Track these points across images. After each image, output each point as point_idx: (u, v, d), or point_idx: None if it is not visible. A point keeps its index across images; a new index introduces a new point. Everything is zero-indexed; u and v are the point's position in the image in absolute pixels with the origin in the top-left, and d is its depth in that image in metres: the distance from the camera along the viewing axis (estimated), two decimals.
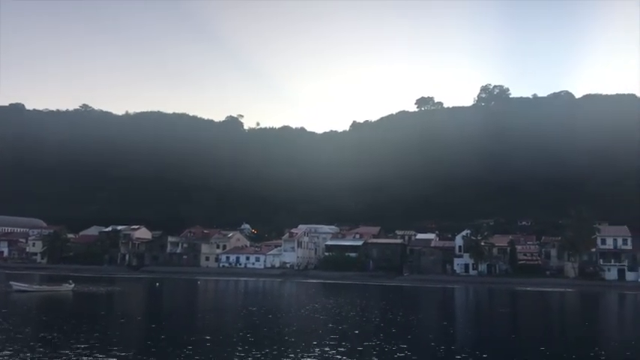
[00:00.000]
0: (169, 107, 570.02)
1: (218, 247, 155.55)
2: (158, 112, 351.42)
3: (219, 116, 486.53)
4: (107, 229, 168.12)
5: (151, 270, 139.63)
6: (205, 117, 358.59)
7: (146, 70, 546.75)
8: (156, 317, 46.00)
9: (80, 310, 50.61)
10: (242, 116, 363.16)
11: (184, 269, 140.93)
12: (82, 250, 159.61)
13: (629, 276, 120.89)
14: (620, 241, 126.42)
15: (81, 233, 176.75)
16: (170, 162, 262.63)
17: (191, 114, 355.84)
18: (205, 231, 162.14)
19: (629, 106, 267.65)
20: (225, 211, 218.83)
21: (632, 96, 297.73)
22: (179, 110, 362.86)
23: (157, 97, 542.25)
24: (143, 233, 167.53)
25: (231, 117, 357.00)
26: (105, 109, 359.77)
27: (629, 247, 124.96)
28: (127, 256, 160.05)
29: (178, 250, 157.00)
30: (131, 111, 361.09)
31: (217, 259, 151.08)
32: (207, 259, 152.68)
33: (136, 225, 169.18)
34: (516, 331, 42.78)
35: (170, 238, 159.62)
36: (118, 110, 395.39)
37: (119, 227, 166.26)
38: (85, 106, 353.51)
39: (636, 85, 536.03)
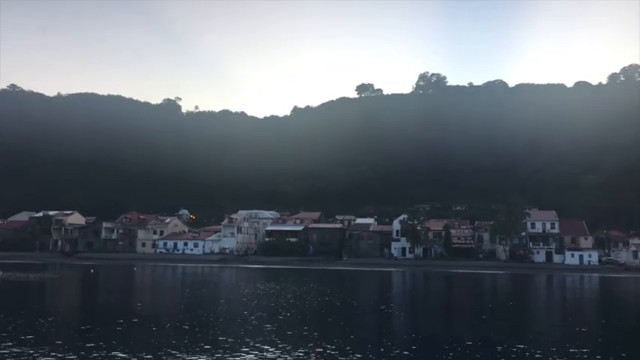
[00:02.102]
0: (104, 89, 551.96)
1: (155, 232, 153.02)
2: (92, 93, 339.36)
3: (156, 99, 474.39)
4: (38, 215, 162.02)
5: (85, 256, 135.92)
6: (142, 99, 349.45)
7: (80, 50, 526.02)
8: (90, 304, 44.83)
9: (8, 298, 48.65)
10: (180, 99, 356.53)
11: (120, 255, 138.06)
12: (10, 236, 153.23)
13: (556, 258, 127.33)
14: (548, 225, 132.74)
15: (9, 219, 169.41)
16: (105, 145, 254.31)
17: (127, 96, 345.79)
18: (142, 216, 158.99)
19: (559, 95, 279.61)
20: (162, 196, 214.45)
21: (562, 86, 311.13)
22: (114, 92, 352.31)
23: (91, 78, 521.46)
24: (76, 219, 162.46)
25: (168, 100, 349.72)
26: (35, 89, 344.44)
27: (556, 230, 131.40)
28: (59, 243, 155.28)
29: (113, 236, 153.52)
30: (64, 92, 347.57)
31: (154, 245, 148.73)
32: (143, 245, 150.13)
33: (69, 210, 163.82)
34: (450, 312, 44.20)
35: (105, 224, 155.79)
36: (50, 91, 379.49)
37: (51, 213, 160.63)
38: (13, 85, 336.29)
39: (565, 76, 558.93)
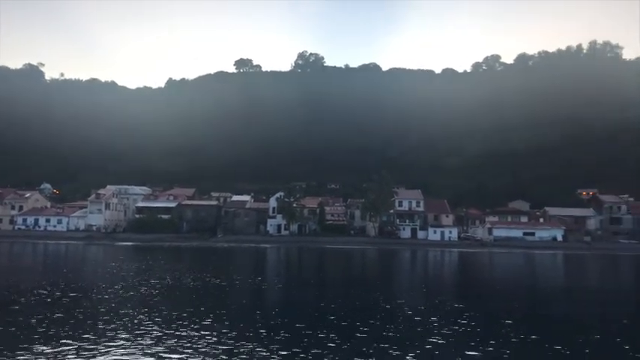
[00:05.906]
0: None
1: (13, 208, 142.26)
2: None
3: (15, 63, 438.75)
4: None
5: None
6: None
7: None
8: None
9: None
10: (43, 65, 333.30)
11: None
12: None
13: (420, 234, 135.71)
14: (414, 204, 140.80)
15: None
16: None
17: None
18: None
19: (428, 80, 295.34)
20: (22, 169, 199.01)
21: (431, 72, 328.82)
22: None
23: None
24: None
25: (29, 65, 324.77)
26: None
27: (421, 208, 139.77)
28: None
29: None
30: None
31: (12, 222, 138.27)
32: (0, 221, 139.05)
33: None
34: (321, 282, 45.54)
35: None
36: None
37: None
38: None
39: (435, 62, 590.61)
